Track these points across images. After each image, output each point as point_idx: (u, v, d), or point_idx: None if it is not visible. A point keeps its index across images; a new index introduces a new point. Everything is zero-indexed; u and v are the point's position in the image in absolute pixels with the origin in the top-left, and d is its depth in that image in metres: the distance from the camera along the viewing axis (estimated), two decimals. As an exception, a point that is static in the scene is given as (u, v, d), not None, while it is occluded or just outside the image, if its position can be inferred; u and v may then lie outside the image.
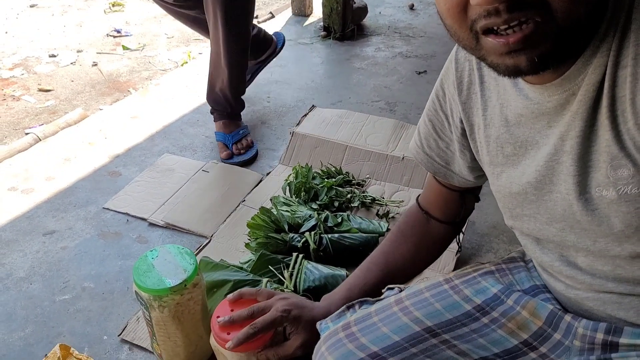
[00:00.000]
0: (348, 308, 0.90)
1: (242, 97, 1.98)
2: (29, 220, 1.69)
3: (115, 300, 1.43)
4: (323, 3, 2.72)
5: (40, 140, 2.06)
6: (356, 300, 0.91)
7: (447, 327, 0.80)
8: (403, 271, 1.03)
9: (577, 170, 0.66)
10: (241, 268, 1.34)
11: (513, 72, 0.61)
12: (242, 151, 1.91)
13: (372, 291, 0.99)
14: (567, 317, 0.76)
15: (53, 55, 2.82)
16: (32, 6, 3.45)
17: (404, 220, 1.05)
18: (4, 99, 2.46)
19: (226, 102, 1.93)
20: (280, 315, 0.96)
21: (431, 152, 0.91)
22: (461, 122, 0.82)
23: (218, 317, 1.07)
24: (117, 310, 1.40)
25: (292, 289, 1.29)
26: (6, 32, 3.09)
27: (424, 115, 0.91)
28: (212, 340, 1.08)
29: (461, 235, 1.10)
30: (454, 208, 1.00)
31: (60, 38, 3.02)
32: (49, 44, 2.94)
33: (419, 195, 1.06)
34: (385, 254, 1.04)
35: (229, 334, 1.04)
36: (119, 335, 1.32)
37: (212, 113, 2.01)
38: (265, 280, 1.27)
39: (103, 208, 1.72)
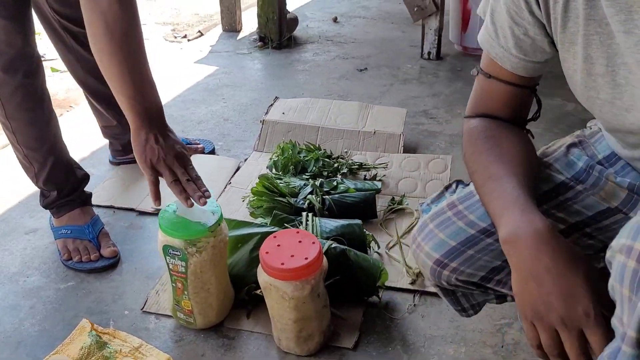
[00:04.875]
0: (446, 188, 0.93)
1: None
2: (5, 222, 1.59)
3: (126, 280, 1.38)
4: (258, 13, 2.83)
5: (-8, 151, 1.95)
6: (452, 181, 0.94)
7: (543, 198, 0.84)
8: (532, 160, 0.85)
9: None
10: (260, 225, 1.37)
11: None
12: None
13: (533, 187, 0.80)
14: None
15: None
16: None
17: (478, 131, 0.86)
18: None
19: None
20: None
21: (507, 43, 0.80)
22: None
23: (267, 252, 1.10)
24: (130, 288, 1.36)
25: (313, 239, 1.34)
26: None
27: (497, 1, 0.80)
28: (263, 276, 1.10)
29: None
30: (524, 107, 0.88)
31: None
32: None
33: (467, 110, 0.91)
34: (507, 156, 0.81)
35: (282, 264, 1.07)
36: (141, 309, 1.29)
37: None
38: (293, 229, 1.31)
39: (83, 204, 1.65)
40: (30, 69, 1.35)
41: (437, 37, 2.68)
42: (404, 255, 1.40)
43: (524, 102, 0.88)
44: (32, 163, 1.44)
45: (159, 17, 3.59)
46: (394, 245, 1.46)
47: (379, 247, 1.44)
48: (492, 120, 0.87)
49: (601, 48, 0.70)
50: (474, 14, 2.67)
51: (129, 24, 1.11)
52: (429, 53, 2.72)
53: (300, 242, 1.11)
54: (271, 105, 2.06)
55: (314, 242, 1.11)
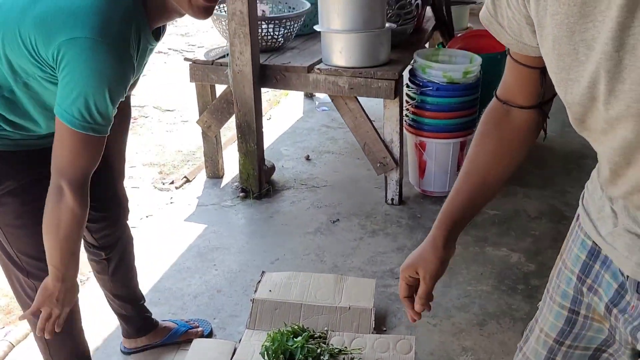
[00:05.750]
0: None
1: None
2: None
3: None
4: (240, 169, 3.18)
5: (14, 346, 2.21)
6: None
7: (562, 336, 1.00)
8: (493, 170, 1.03)
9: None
10: None
11: None
12: None
13: (471, 205, 1.04)
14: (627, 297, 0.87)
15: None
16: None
17: (483, 120, 1.04)
18: (-49, 305, 2.53)
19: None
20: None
21: (503, 21, 0.86)
22: None
23: None
24: None
25: None
26: None
27: None
28: None
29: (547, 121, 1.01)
30: (535, 88, 0.95)
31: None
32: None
33: (496, 89, 1.02)
34: (471, 160, 1.04)
35: None
36: None
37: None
38: None
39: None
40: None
41: (398, 187, 3.06)
42: None
43: (533, 84, 0.94)
44: None
45: (146, 157, 3.93)
46: None
47: None
48: (501, 109, 1.00)
49: (564, 27, 0.72)
50: (428, 165, 3.07)
51: (74, 226, 1.37)
52: (392, 199, 3.09)
53: None
54: (259, 282, 2.37)
55: None
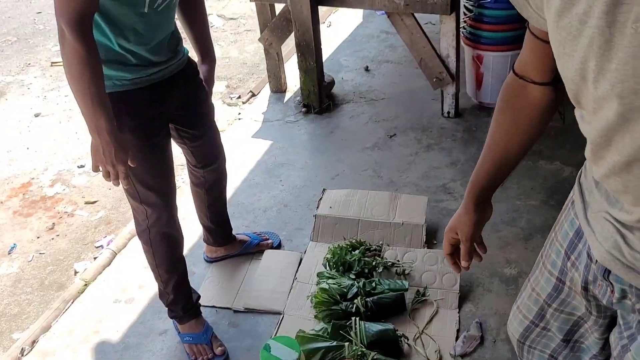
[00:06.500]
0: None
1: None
2: (142, 324, 2.26)
3: (235, 375, 2.04)
4: (301, 86, 3.33)
5: (117, 253, 2.61)
6: None
7: (550, 299, 1.08)
8: (511, 144, 1.08)
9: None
10: (322, 335, 1.97)
11: None
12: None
13: (496, 174, 1.12)
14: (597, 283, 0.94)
15: (81, 166, 3.32)
16: (36, 115, 3.90)
17: (500, 96, 1.07)
18: (61, 217, 2.96)
19: None
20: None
21: None
22: None
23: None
24: (240, 381, 2.01)
25: (360, 344, 1.93)
26: (27, 148, 3.54)
27: None
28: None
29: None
30: (549, 64, 0.95)
31: (78, 146, 3.50)
32: (72, 154, 3.43)
33: (514, 63, 1.05)
34: (491, 134, 1.10)
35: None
36: (250, 400, 1.94)
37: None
38: (346, 344, 1.91)
39: (193, 304, 2.29)
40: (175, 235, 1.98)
41: (454, 100, 3.13)
42: (425, 348, 1.99)
43: (547, 59, 0.94)
44: (169, 293, 2.07)
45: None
46: (417, 337, 2.04)
47: (407, 339, 2.03)
48: (517, 84, 1.03)
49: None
50: (485, 77, 3.10)
51: (82, 66, 1.42)
52: (448, 112, 3.18)
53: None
54: (320, 198, 2.62)
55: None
